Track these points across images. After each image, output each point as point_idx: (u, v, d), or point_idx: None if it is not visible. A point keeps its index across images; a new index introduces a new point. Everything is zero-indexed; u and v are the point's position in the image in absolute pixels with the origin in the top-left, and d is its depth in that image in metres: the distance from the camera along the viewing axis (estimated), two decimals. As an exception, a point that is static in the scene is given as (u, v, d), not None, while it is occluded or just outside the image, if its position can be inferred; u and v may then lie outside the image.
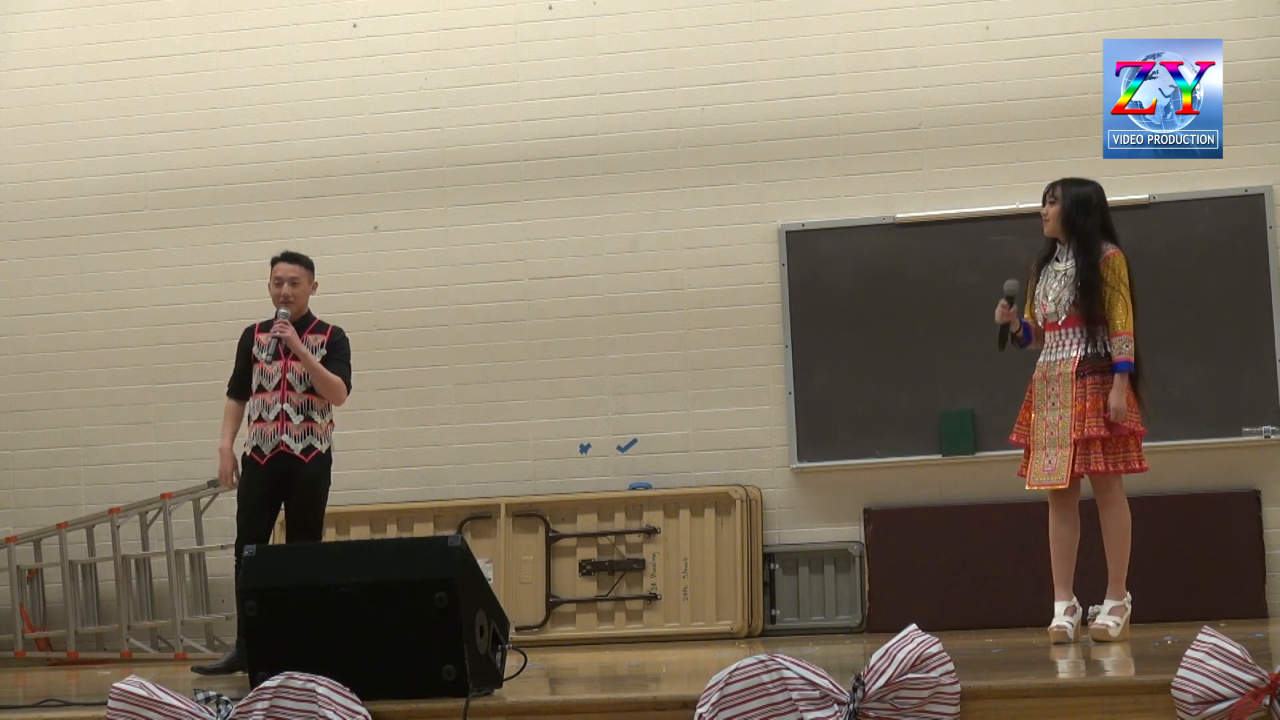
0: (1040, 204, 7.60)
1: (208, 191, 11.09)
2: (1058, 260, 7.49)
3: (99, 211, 11.19)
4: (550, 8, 10.89)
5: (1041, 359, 7.50)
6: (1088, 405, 7.29)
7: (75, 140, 11.25)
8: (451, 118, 10.90)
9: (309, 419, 8.10)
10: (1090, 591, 7.50)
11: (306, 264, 8.26)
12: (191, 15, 11.22)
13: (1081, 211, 7.43)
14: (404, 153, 10.94)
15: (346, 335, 8.29)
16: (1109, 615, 7.33)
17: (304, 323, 8.20)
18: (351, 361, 8.26)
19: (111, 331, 11.13)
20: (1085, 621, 7.45)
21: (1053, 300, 7.43)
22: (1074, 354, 7.37)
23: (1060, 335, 7.43)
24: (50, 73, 11.32)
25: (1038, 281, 7.56)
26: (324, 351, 8.15)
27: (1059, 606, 7.39)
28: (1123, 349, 7.31)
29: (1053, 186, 7.56)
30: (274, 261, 8.27)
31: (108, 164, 11.21)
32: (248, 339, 8.26)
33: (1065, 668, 6.14)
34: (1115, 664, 6.24)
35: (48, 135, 11.29)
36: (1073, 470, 7.31)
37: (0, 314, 11.28)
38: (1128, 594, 7.45)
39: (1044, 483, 7.40)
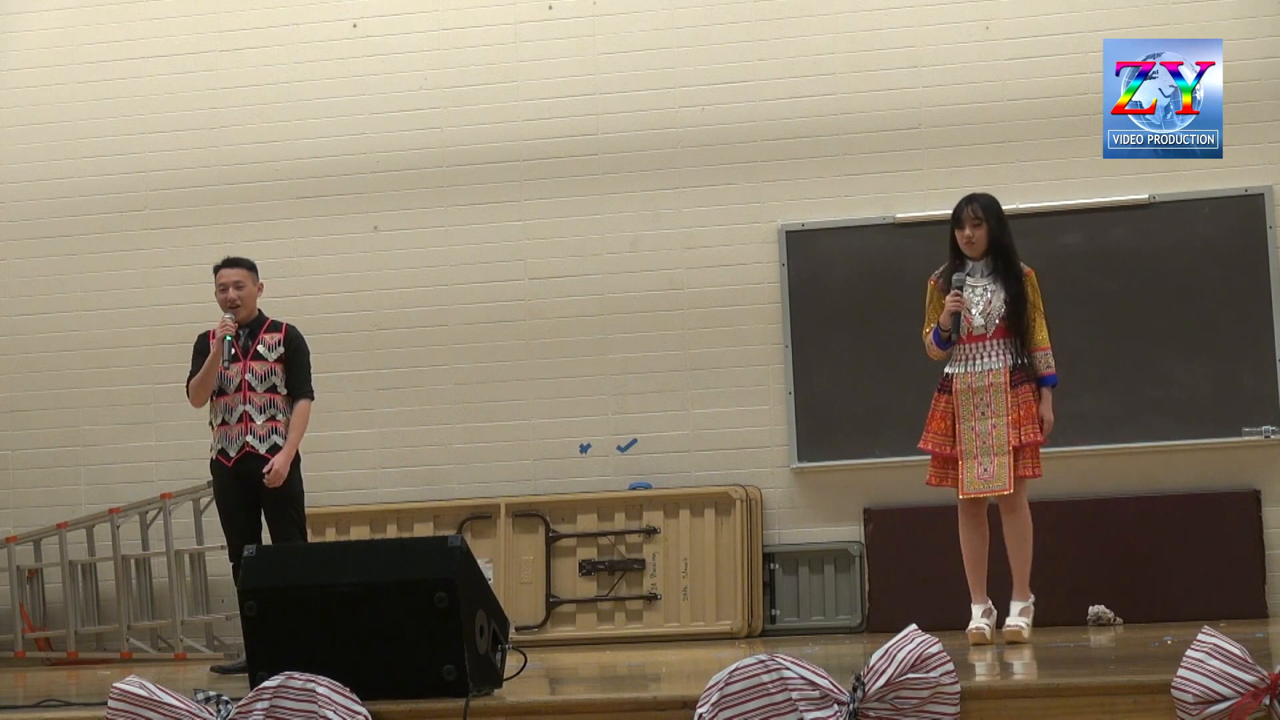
0: (954, 223, 7.63)
1: (208, 191, 11.09)
2: (971, 275, 7.60)
3: (99, 211, 11.19)
4: (550, 8, 10.89)
5: (958, 370, 7.65)
6: (1022, 414, 7.48)
7: (75, 140, 11.25)
8: (451, 118, 10.90)
9: (272, 418, 8.17)
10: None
11: (249, 267, 8.35)
12: (191, 15, 11.21)
13: (1004, 230, 7.62)
14: (404, 153, 10.93)
15: (303, 336, 8.34)
16: (1019, 616, 7.53)
17: (257, 324, 8.29)
18: (311, 361, 8.32)
19: (111, 331, 11.13)
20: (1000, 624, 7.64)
21: (980, 314, 7.55)
22: (1003, 364, 7.53)
23: (985, 347, 7.59)
24: (50, 73, 11.31)
25: (945, 295, 7.63)
26: (281, 349, 8.22)
27: (976, 610, 7.61)
28: (1051, 363, 7.59)
29: (970, 206, 7.61)
30: (216, 269, 8.34)
31: (108, 164, 11.20)
32: (203, 344, 8.30)
33: (1065, 668, 6.14)
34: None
35: (48, 135, 11.29)
36: (1012, 476, 7.46)
37: (0, 314, 11.28)
38: (1031, 594, 7.64)
39: (984, 490, 7.55)
